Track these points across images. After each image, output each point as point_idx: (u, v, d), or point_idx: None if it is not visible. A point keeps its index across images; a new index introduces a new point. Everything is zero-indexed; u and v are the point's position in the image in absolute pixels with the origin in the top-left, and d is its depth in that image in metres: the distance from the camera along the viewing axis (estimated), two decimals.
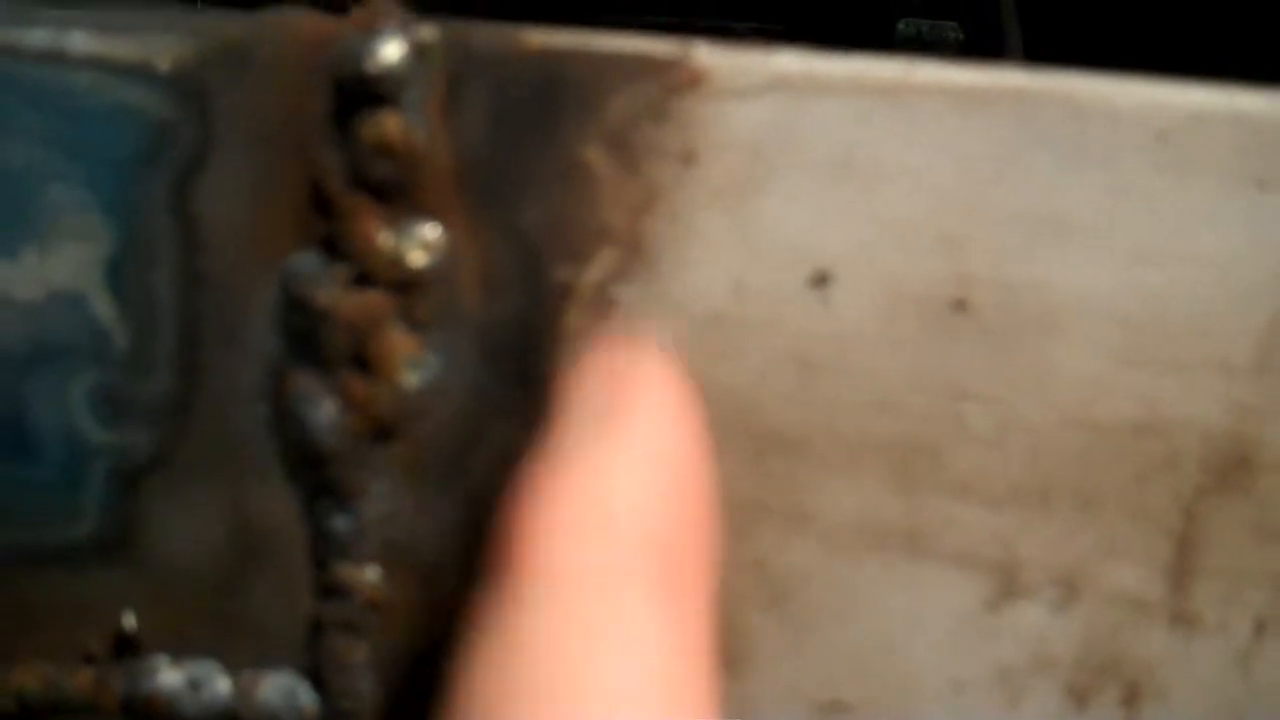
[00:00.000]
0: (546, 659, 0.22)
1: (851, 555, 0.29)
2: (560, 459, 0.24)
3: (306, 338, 0.28)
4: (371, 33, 0.27)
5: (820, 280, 0.27)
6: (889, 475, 0.28)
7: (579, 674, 0.22)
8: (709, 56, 0.27)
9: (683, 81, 0.27)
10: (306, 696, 0.29)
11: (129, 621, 0.29)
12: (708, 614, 0.24)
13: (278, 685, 0.29)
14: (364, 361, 0.28)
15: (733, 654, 0.29)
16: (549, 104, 0.27)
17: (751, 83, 0.27)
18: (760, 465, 0.28)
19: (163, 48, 0.27)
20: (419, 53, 0.27)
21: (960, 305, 0.27)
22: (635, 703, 0.22)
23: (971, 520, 0.28)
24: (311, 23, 0.27)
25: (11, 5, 0.27)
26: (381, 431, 0.28)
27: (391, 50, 0.27)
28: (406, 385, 0.28)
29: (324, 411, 0.28)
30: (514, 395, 0.28)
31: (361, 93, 0.27)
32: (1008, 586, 0.29)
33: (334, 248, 0.28)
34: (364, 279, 0.28)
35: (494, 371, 0.28)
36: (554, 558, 0.23)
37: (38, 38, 0.27)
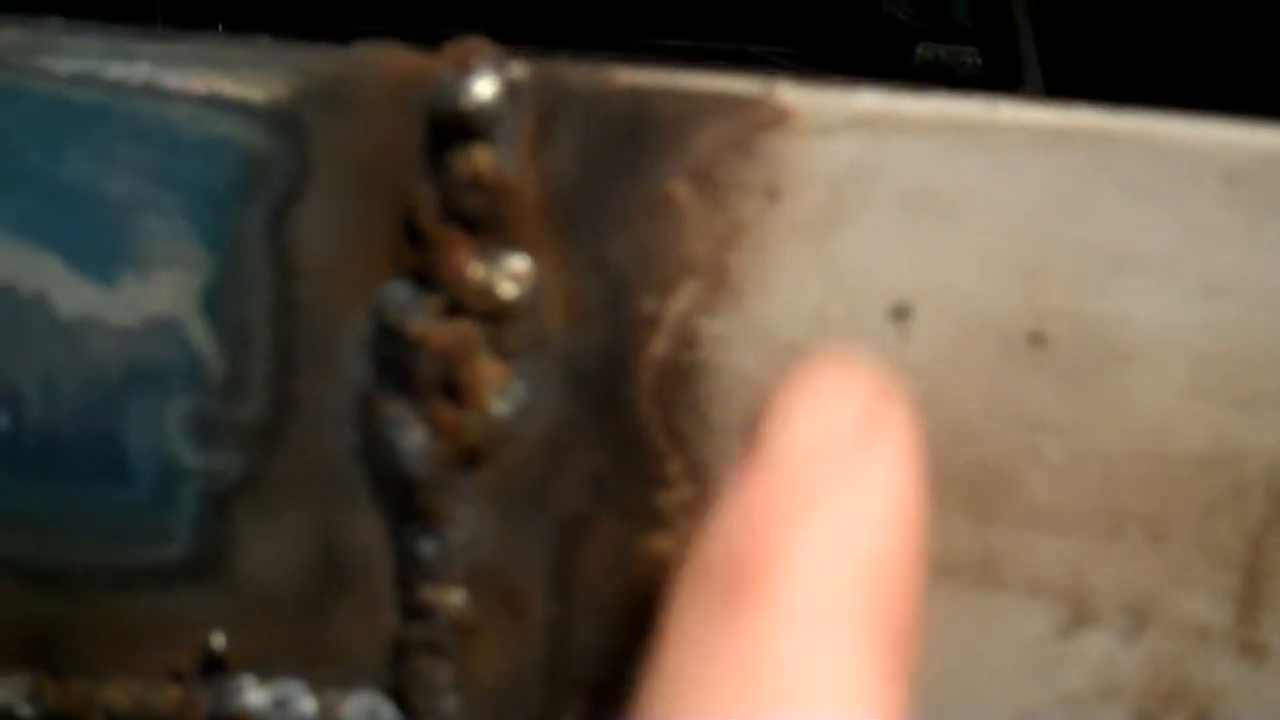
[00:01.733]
0: (761, 682, 0.22)
1: (925, 584, 0.29)
2: (804, 487, 0.23)
3: (397, 366, 0.29)
4: (465, 69, 0.28)
5: (900, 313, 0.28)
6: (963, 504, 0.29)
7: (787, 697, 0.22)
8: (793, 95, 0.28)
9: (767, 119, 0.28)
10: (390, 716, 0.30)
11: (218, 641, 0.30)
12: (910, 659, 0.24)
13: (362, 705, 0.30)
14: (453, 389, 0.29)
15: None
16: (637, 140, 0.28)
17: (834, 120, 0.28)
18: None
19: (261, 82, 0.28)
20: (511, 89, 0.28)
21: (1037, 338, 0.28)
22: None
23: (1043, 549, 0.29)
24: (406, 59, 0.28)
25: (112, 41, 0.28)
26: (469, 458, 0.29)
27: (485, 87, 0.28)
28: (495, 413, 0.29)
29: (413, 438, 0.29)
30: (598, 423, 0.29)
31: (455, 128, 0.28)
32: (1078, 615, 0.29)
33: (425, 278, 0.28)
34: (455, 309, 0.28)
35: (579, 399, 0.29)
36: (792, 591, 0.22)
37: (138, 72, 0.28)
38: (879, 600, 0.23)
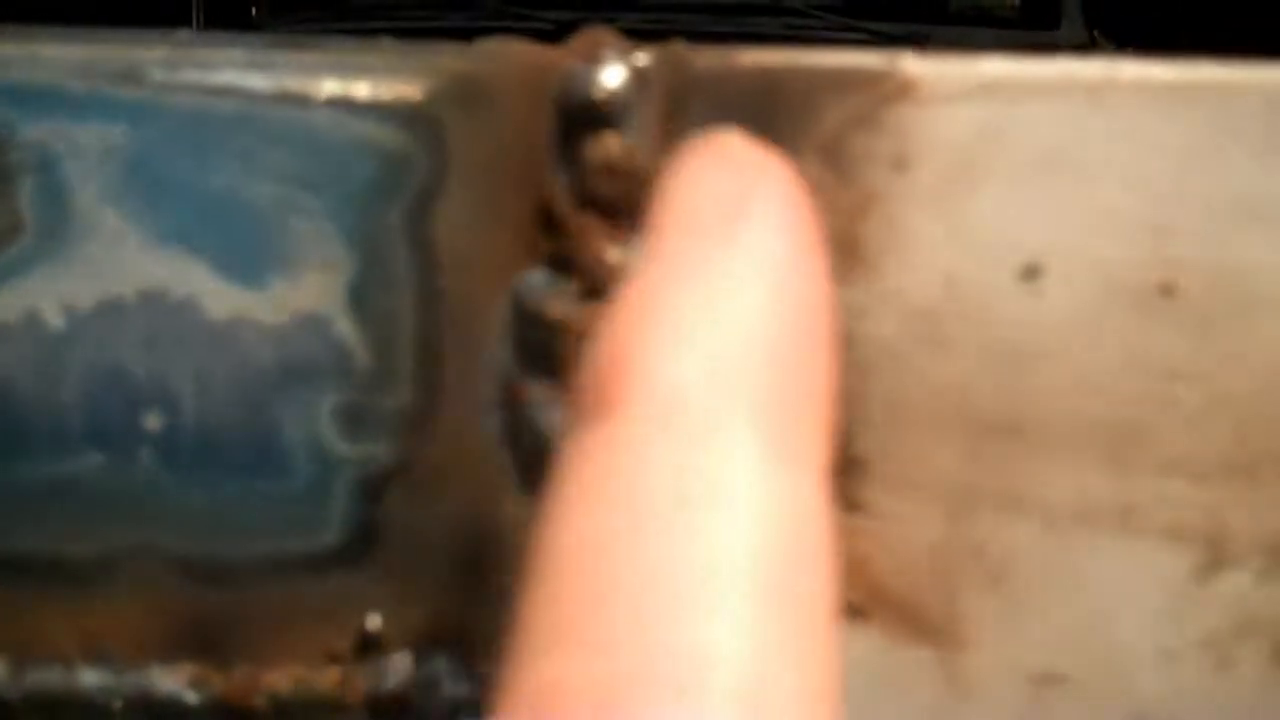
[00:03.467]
0: (641, 516, 0.19)
1: (1066, 534, 0.30)
2: (664, 268, 0.21)
3: (539, 350, 0.30)
4: (593, 60, 0.28)
5: (1030, 273, 0.29)
6: (1101, 456, 0.29)
7: (672, 553, 0.18)
8: (918, 65, 0.28)
9: (893, 91, 0.28)
10: None
11: (373, 622, 0.31)
12: (822, 439, 0.21)
13: None
14: None
15: (952, 633, 0.30)
16: (764, 119, 0.28)
17: (959, 89, 0.28)
18: (976, 453, 0.30)
19: (396, 84, 0.29)
20: (638, 77, 0.28)
21: (1167, 290, 0.29)
22: (734, 586, 0.18)
23: (1180, 495, 0.29)
24: (535, 52, 0.29)
25: (253, 51, 0.29)
26: None
27: (614, 75, 0.28)
28: None
29: (557, 419, 0.30)
30: None
31: (585, 117, 0.28)
32: (1216, 557, 0.30)
33: (563, 264, 0.29)
34: (593, 292, 0.29)
35: None
36: (656, 385, 0.20)
37: (280, 82, 0.29)
38: (769, 375, 0.20)
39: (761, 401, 0.20)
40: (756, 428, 0.20)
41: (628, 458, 0.19)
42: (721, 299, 0.20)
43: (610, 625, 0.18)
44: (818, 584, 0.19)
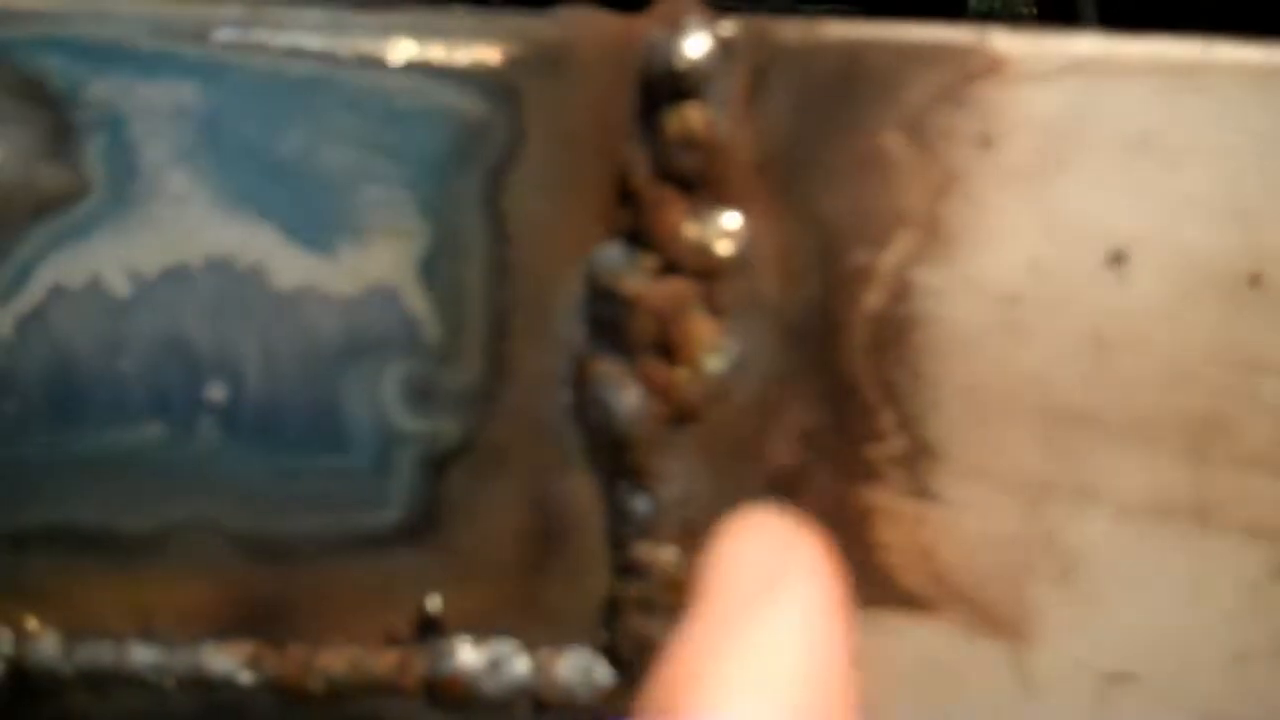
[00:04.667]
0: None
1: (1140, 528, 0.29)
2: (709, 633, 0.25)
3: (611, 326, 0.29)
4: (676, 29, 0.28)
5: (1117, 258, 0.28)
6: (1180, 448, 0.29)
7: None
8: (1007, 42, 0.28)
9: (980, 67, 0.28)
10: (604, 674, 0.30)
11: (434, 603, 0.31)
12: None
13: (576, 663, 0.31)
14: (667, 348, 0.29)
15: (1020, 627, 0.30)
16: (848, 93, 0.28)
17: (1049, 67, 0.28)
18: (1052, 442, 0.29)
19: (476, 50, 0.28)
20: (723, 47, 0.28)
21: (1256, 279, 0.28)
22: None
23: (1261, 490, 0.29)
24: (616, 21, 0.28)
25: (328, 14, 0.28)
26: (682, 415, 0.29)
27: (697, 45, 0.28)
28: (708, 370, 0.29)
29: (627, 397, 0.29)
30: (811, 378, 0.29)
31: (667, 87, 0.28)
32: None
33: (640, 238, 0.29)
34: (669, 268, 0.29)
35: (792, 355, 0.29)
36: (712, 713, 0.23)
37: (354, 44, 0.29)
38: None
39: None
40: None
41: None
42: (761, 663, 0.24)
43: None
44: None
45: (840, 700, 0.25)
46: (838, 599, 0.25)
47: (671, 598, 0.30)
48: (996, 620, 0.30)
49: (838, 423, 0.29)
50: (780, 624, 0.25)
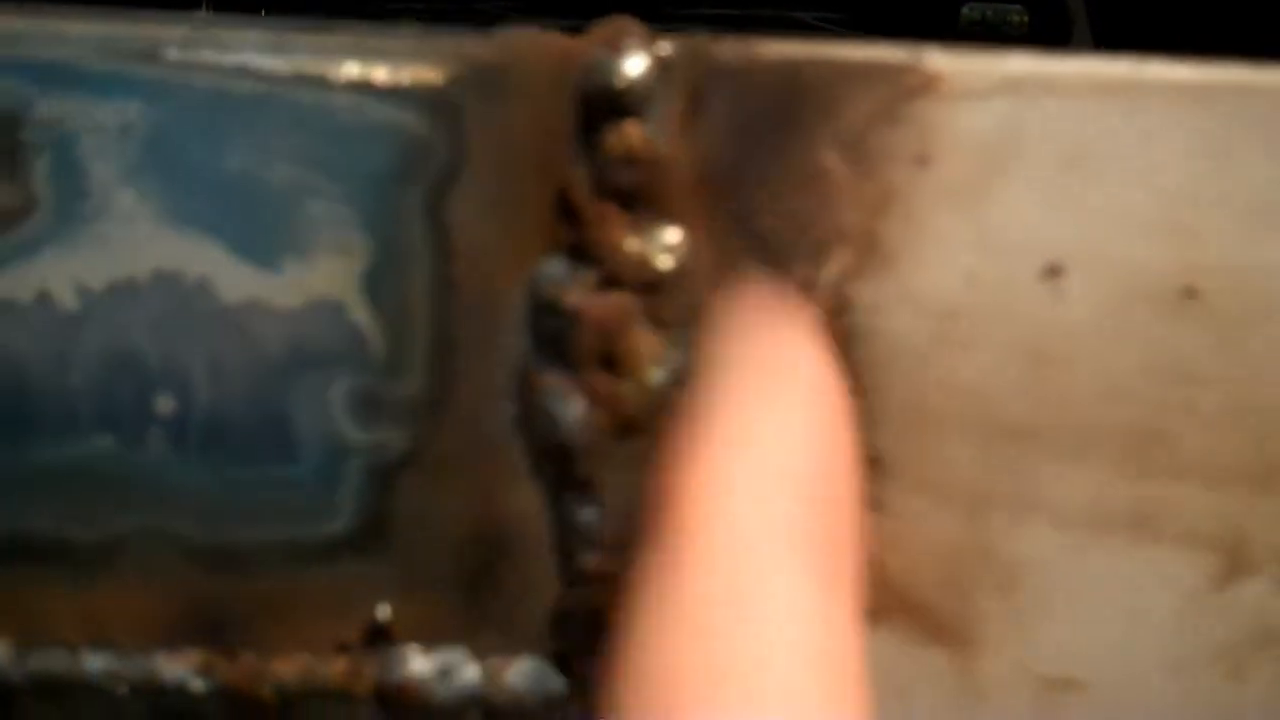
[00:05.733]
0: (701, 632, 0.23)
1: (1080, 539, 0.30)
2: (716, 417, 0.25)
3: (555, 339, 0.29)
4: (616, 48, 0.28)
5: (1052, 273, 0.28)
6: (1118, 460, 0.29)
7: (731, 648, 0.22)
8: (942, 60, 0.28)
9: (916, 86, 0.28)
10: (554, 682, 0.31)
11: (383, 612, 0.31)
12: (858, 569, 0.25)
13: (526, 671, 0.31)
14: (611, 360, 0.29)
15: (966, 635, 0.30)
16: (785, 111, 0.28)
17: (983, 85, 0.28)
18: (991, 454, 0.29)
19: (417, 69, 0.29)
20: (661, 66, 0.28)
21: (1189, 293, 0.28)
22: (783, 678, 0.23)
23: (1198, 502, 0.29)
24: (556, 41, 0.29)
25: (271, 34, 0.29)
26: (626, 427, 0.30)
27: (636, 64, 0.28)
28: (651, 382, 0.29)
29: (572, 409, 0.29)
30: None
31: (607, 105, 0.28)
32: (1233, 565, 0.30)
33: (581, 253, 0.29)
34: (611, 282, 0.29)
35: None
36: (710, 518, 0.24)
37: (296, 63, 0.29)
38: (808, 514, 0.24)
39: (803, 536, 0.24)
40: (799, 557, 0.23)
41: (690, 577, 0.23)
42: (766, 445, 0.24)
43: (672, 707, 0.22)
44: (850, 702, 0.23)
45: (846, 491, 0.25)
46: (840, 391, 0.25)
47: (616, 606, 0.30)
48: (942, 629, 0.30)
49: None
50: (788, 416, 0.25)
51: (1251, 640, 0.30)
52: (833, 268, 0.28)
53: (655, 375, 0.29)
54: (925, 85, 0.28)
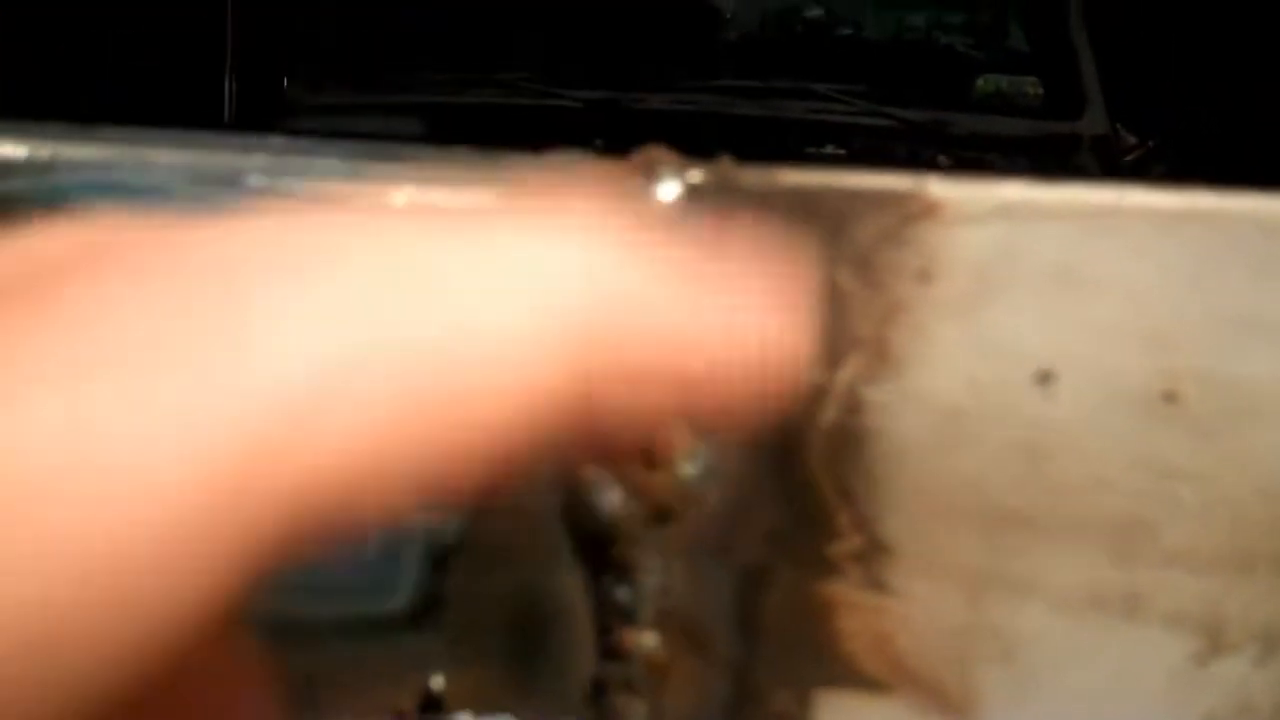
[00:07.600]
0: None
1: (1074, 617, 0.32)
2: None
3: None
4: (651, 175, 0.31)
5: (1044, 378, 0.31)
6: (1108, 547, 0.32)
7: None
8: (942, 188, 0.31)
9: (919, 210, 0.31)
10: None
11: (437, 682, 0.34)
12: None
13: None
14: (647, 455, 0.32)
15: (967, 706, 0.33)
16: (802, 233, 0.31)
17: (980, 210, 0.31)
18: (992, 540, 0.32)
19: (473, 193, 0.32)
20: (691, 192, 0.32)
21: (1170, 396, 0.31)
22: None
23: (1182, 585, 0.32)
24: (599, 167, 0.32)
25: (344, 160, 0.32)
26: (661, 515, 0.33)
27: (669, 190, 0.31)
28: (684, 475, 0.32)
29: (611, 498, 0.33)
30: (775, 483, 0.32)
31: None
32: (1214, 643, 0.32)
33: None
34: None
35: (758, 462, 0.32)
36: None
37: (367, 190, 0.32)
38: None
39: None
40: None
41: None
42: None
43: None
44: None
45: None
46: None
47: (651, 679, 0.33)
48: (946, 700, 0.33)
49: (800, 523, 0.32)
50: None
51: (1234, 713, 0.32)
52: (847, 372, 0.32)
53: (688, 469, 0.32)
54: (927, 210, 0.31)
